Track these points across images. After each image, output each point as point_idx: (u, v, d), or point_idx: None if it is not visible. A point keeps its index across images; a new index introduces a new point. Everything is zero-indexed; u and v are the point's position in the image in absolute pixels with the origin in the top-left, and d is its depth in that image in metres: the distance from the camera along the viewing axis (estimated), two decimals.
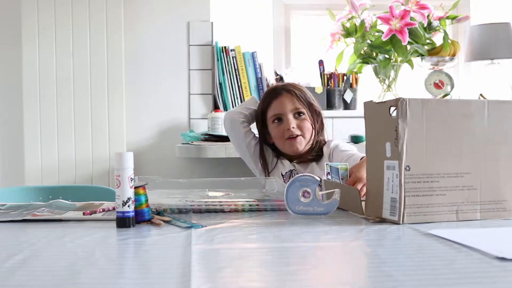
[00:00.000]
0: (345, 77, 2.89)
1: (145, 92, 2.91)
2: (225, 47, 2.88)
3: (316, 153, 1.97)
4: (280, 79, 2.90)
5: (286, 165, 1.99)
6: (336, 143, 1.99)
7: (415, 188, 1.12)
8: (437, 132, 1.14)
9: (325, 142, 2.01)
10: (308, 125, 1.95)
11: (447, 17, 2.80)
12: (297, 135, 1.93)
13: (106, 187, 2.06)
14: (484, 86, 2.94)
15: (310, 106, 1.98)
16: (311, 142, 1.96)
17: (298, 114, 1.95)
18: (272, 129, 1.98)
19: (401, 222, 1.11)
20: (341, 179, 1.42)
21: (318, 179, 1.25)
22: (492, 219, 1.17)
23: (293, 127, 1.92)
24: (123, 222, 1.12)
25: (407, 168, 1.12)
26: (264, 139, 2.04)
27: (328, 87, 2.93)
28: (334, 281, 0.76)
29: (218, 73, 2.89)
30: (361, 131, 2.60)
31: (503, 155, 1.19)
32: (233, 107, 2.88)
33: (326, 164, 1.50)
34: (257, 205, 1.32)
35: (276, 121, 1.96)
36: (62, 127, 2.79)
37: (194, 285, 0.71)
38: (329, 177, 1.45)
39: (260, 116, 2.02)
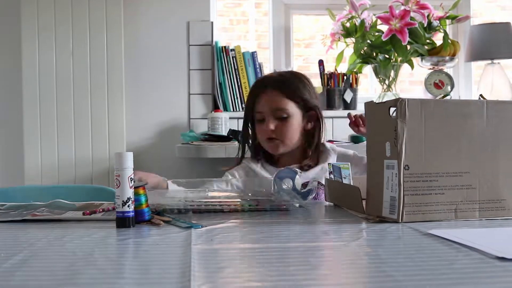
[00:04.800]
0: (345, 77, 2.90)
1: (145, 92, 2.91)
2: (225, 47, 2.88)
3: (316, 160, 1.80)
4: None
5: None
6: (337, 148, 1.86)
7: (414, 187, 1.13)
8: (436, 132, 1.15)
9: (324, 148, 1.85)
10: (291, 129, 1.76)
11: (447, 17, 2.81)
12: (274, 139, 1.76)
13: (106, 187, 2.06)
14: (484, 86, 2.94)
15: (304, 104, 1.79)
16: (294, 147, 1.80)
17: (279, 116, 1.75)
18: (256, 128, 1.81)
19: (400, 221, 1.12)
20: (343, 178, 1.43)
21: (297, 170, 1.43)
22: (491, 218, 1.17)
23: (271, 130, 1.75)
24: (123, 222, 1.12)
25: (406, 167, 1.12)
26: (254, 137, 1.84)
27: (328, 87, 2.93)
28: (334, 281, 0.76)
29: (218, 73, 2.89)
30: None
31: (501, 154, 1.19)
32: (233, 107, 2.88)
33: (329, 163, 1.50)
34: (256, 205, 1.32)
35: (259, 119, 1.79)
36: (62, 127, 2.79)
37: (194, 285, 0.71)
38: (332, 176, 1.45)
39: (250, 111, 1.81)
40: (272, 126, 1.75)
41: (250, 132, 1.86)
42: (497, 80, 2.94)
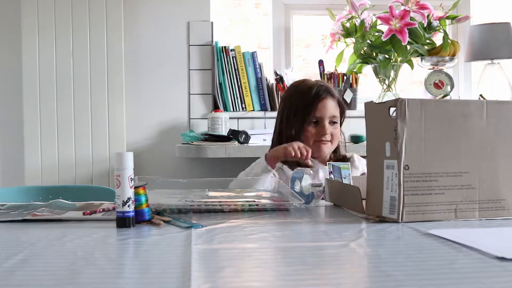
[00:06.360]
0: (345, 77, 2.90)
1: (145, 92, 2.92)
2: (225, 47, 2.88)
3: (336, 158, 1.96)
4: (280, 79, 2.90)
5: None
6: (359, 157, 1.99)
7: (414, 187, 1.13)
8: (436, 132, 1.15)
9: (344, 153, 2.01)
10: (338, 132, 1.96)
11: (447, 17, 2.80)
12: (328, 141, 1.93)
13: (106, 187, 2.06)
14: (484, 86, 2.94)
15: (342, 110, 1.98)
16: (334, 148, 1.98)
17: (333, 121, 1.94)
18: (307, 128, 1.93)
19: (400, 220, 1.12)
20: (343, 178, 1.43)
21: (305, 170, 1.43)
22: (491, 217, 1.17)
23: (327, 134, 1.92)
24: (123, 222, 1.12)
25: (406, 167, 1.12)
26: (281, 133, 1.96)
27: None
28: (334, 281, 0.76)
29: (218, 73, 2.89)
30: (361, 131, 2.60)
31: (501, 154, 1.19)
32: (233, 107, 2.89)
33: (328, 163, 1.51)
34: (257, 205, 1.32)
35: (313, 122, 1.93)
36: (62, 127, 2.79)
37: (194, 285, 0.71)
38: (332, 176, 1.46)
39: (301, 112, 1.93)
40: (329, 130, 1.93)
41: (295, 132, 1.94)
42: (497, 80, 2.94)
